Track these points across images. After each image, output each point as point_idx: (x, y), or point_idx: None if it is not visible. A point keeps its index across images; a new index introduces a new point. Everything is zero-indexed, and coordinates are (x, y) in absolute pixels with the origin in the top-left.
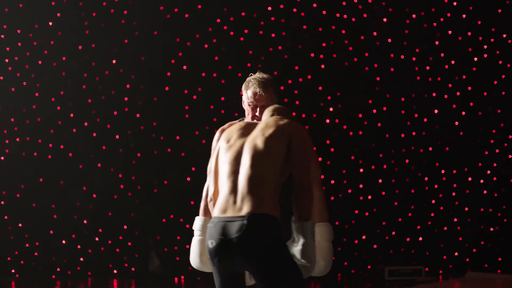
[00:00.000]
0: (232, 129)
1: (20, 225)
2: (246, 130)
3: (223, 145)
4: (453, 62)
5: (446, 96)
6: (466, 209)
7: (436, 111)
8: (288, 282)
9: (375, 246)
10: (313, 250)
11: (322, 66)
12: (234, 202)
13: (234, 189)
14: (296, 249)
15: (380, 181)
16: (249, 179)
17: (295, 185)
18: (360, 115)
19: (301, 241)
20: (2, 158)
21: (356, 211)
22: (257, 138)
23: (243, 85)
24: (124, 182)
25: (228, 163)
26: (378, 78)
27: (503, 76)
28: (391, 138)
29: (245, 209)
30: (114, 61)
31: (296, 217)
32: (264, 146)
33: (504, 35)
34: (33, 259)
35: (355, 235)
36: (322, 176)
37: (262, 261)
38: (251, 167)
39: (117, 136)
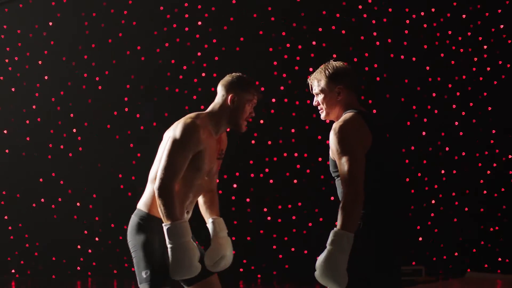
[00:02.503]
0: None
1: (20, 225)
2: None
3: None
4: (453, 62)
5: (446, 96)
6: (466, 209)
7: (436, 111)
8: (140, 279)
9: None
10: (173, 252)
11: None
12: None
13: None
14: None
15: None
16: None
17: None
18: None
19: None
20: (2, 158)
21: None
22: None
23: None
24: (124, 182)
25: None
26: (378, 78)
27: (503, 76)
28: (391, 138)
29: None
30: (114, 61)
31: None
32: (161, 143)
33: (504, 35)
34: (33, 259)
35: None
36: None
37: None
38: (153, 164)
39: (117, 136)
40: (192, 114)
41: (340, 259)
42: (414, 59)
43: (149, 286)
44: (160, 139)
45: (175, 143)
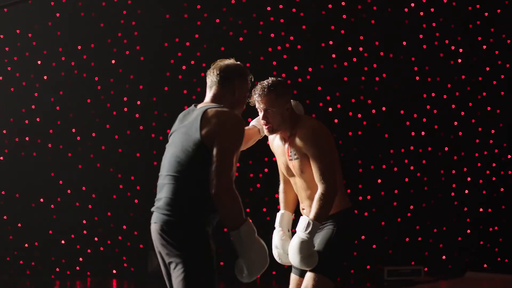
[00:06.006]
0: None
1: (19, 225)
2: None
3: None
4: (452, 62)
5: (445, 96)
6: (465, 209)
7: (435, 111)
8: None
9: (374, 246)
10: None
11: (322, 66)
12: None
13: None
14: None
15: (379, 181)
16: None
17: None
18: (359, 115)
19: None
20: (1, 158)
21: (355, 211)
22: None
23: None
24: (123, 182)
25: None
26: (377, 78)
27: (502, 76)
28: (390, 138)
29: None
30: (113, 61)
31: None
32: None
33: (504, 35)
34: (32, 259)
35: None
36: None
37: None
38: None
39: (116, 136)
40: None
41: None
42: (413, 59)
43: None
44: (158, 138)
45: None
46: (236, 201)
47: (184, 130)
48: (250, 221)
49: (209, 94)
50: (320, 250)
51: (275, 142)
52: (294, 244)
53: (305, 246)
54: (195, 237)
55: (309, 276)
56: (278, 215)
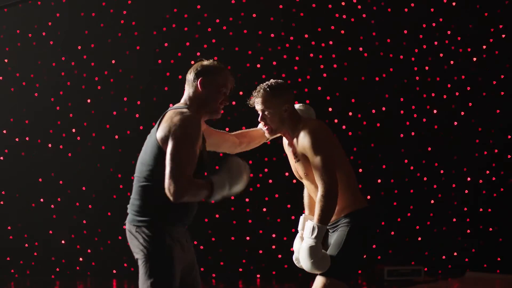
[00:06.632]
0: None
1: (19, 225)
2: None
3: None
4: (452, 62)
5: (445, 96)
6: (465, 209)
7: (435, 111)
8: None
9: (374, 246)
10: None
11: (322, 66)
12: None
13: None
14: None
15: (379, 181)
16: None
17: None
18: (359, 115)
19: None
20: (1, 158)
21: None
22: None
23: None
24: (123, 182)
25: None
26: (377, 78)
27: (502, 76)
28: (390, 138)
29: None
30: (113, 61)
31: None
32: None
33: (503, 35)
34: (32, 259)
35: None
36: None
37: None
38: None
39: (116, 136)
40: None
41: None
42: (413, 59)
43: None
44: None
45: None
46: (195, 192)
47: (151, 133)
48: (213, 181)
49: (184, 95)
50: (332, 252)
51: (286, 145)
52: (303, 250)
53: (313, 251)
54: (153, 236)
55: (318, 278)
56: (301, 218)
